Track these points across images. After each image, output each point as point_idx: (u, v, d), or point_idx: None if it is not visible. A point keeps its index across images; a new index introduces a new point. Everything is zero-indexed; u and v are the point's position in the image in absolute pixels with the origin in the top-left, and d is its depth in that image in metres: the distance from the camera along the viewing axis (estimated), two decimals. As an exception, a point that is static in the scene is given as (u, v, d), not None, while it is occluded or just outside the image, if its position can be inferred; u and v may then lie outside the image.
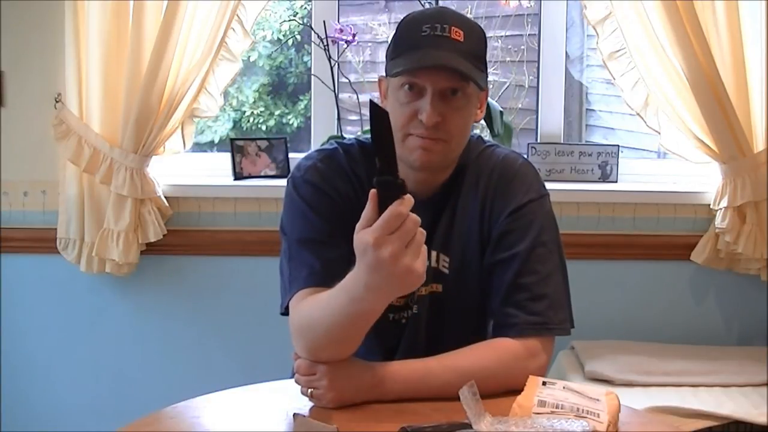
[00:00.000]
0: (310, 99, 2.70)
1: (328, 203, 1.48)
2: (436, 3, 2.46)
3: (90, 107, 2.42)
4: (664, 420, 1.98)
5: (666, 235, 2.55)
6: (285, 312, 1.46)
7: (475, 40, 1.45)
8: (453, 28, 1.41)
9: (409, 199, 1.15)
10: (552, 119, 2.67)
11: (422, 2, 2.44)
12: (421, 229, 1.16)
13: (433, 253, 1.52)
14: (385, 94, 1.51)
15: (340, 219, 1.46)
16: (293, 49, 3.33)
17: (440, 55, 1.39)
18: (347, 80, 2.61)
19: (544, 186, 1.55)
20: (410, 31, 1.44)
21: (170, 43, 2.34)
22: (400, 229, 1.14)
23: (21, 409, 2.61)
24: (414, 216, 1.15)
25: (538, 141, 2.65)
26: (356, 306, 1.25)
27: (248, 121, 3.41)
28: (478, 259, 1.51)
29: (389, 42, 1.49)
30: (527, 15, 2.92)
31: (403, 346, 1.54)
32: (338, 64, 2.52)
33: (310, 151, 1.62)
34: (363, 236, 1.15)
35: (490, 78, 2.87)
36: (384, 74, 1.51)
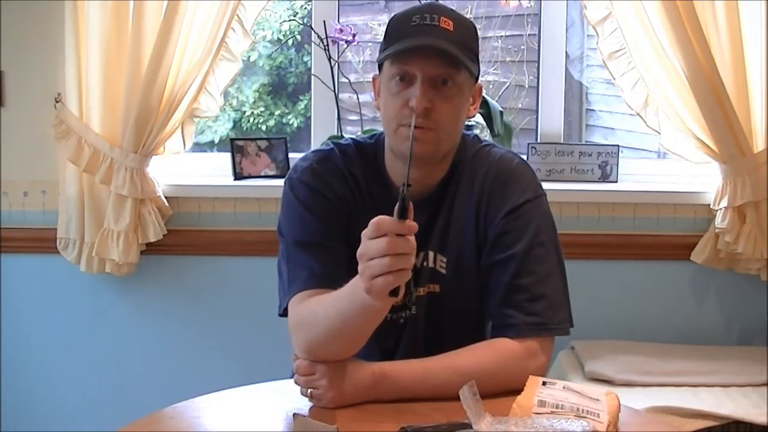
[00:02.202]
0: (310, 99, 2.70)
1: (324, 204, 1.49)
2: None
3: (90, 107, 2.42)
4: (664, 420, 1.98)
5: (666, 235, 2.55)
6: (283, 314, 1.46)
7: (466, 32, 1.46)
8: (443, 18, 1.43)
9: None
10: (552, 119, 2.67)
11: (421, 1, 2.43)
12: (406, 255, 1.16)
13: (431, 254, 1.52)
14: (378, 93, 1.51)
15: (337, 220, 1.47)
16: (293, 49, 3.33)
17: (430, 40, 1.40)
18: (347, 80, 2.61)
19: (540, 186, 1.54)
20: (400, 23, 1.46)
21: (170, 43, 2.34)
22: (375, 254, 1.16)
23: (21, 409, 2.61)
24: (393, 242, 1.15)
25: (538, 141, 2.65)
26: (358, 308, 1.26)
27: (248, 121, 3.40)
28: (475, 259, 1.51)
29: (382, 38, 1.50)
30: (527, 15, 2.92)
31: (402, 347, 1.54)
32: (338, 64, 2.52)
33: (306, 152, 1.62)
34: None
35: (490, 78, 2.89)
36: (378, 73, 1.51)
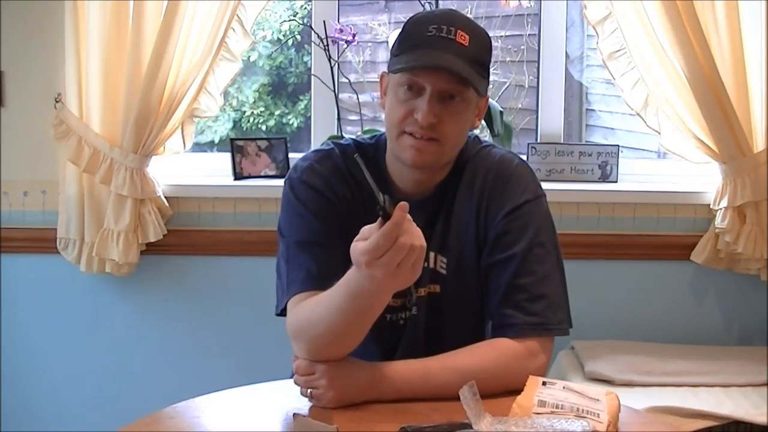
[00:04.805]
0: (310, 99, 2.70)
1: (325, 204, 1.49)
2: (437, 4, 2.46)
3: (90, 107, 2.42)
4: (664, 420, 1.98)
5: (666, 235, 2.55)
6: (280, 313, 1.46)
7: (480, 47, 1.45)
8: (459, 31, 1.41)
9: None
10: (552, 119, 2.67)
11: (422, 2, 2.43)
12: (417, 244, 1.18)
13: (431, 254, 1.51)
14: (385, 91, 1.51)
15: (337, 220, 1.47)
16: (293, 49, 3.34)
17: (443, 57, 1.39)
18: (347, 80, 2.61)
19: (540, 186, 1.54)
20: (416, 30, 1.44)
21: (170, 43, 2.34)
22: (391, 251, 1.16)
23: (21, 409, 2.61)
24: (403, 238, 1.16)
25: (538, 141, 2.65)
26: (358, 300, 1.26)
27: (248, 121, 3.41)
28: (475, 259, 1.51)
29: (395, 39, 1.49)
30: (527, 15, 2.92)
31: (403, 348, 1.54)
32: (338, 64, 2.51)
33: (306, 152, 1.62)
34: (357, 255, 1.19)
35: (491, 78, 2.89)
36: (386, 70, 1.51)
